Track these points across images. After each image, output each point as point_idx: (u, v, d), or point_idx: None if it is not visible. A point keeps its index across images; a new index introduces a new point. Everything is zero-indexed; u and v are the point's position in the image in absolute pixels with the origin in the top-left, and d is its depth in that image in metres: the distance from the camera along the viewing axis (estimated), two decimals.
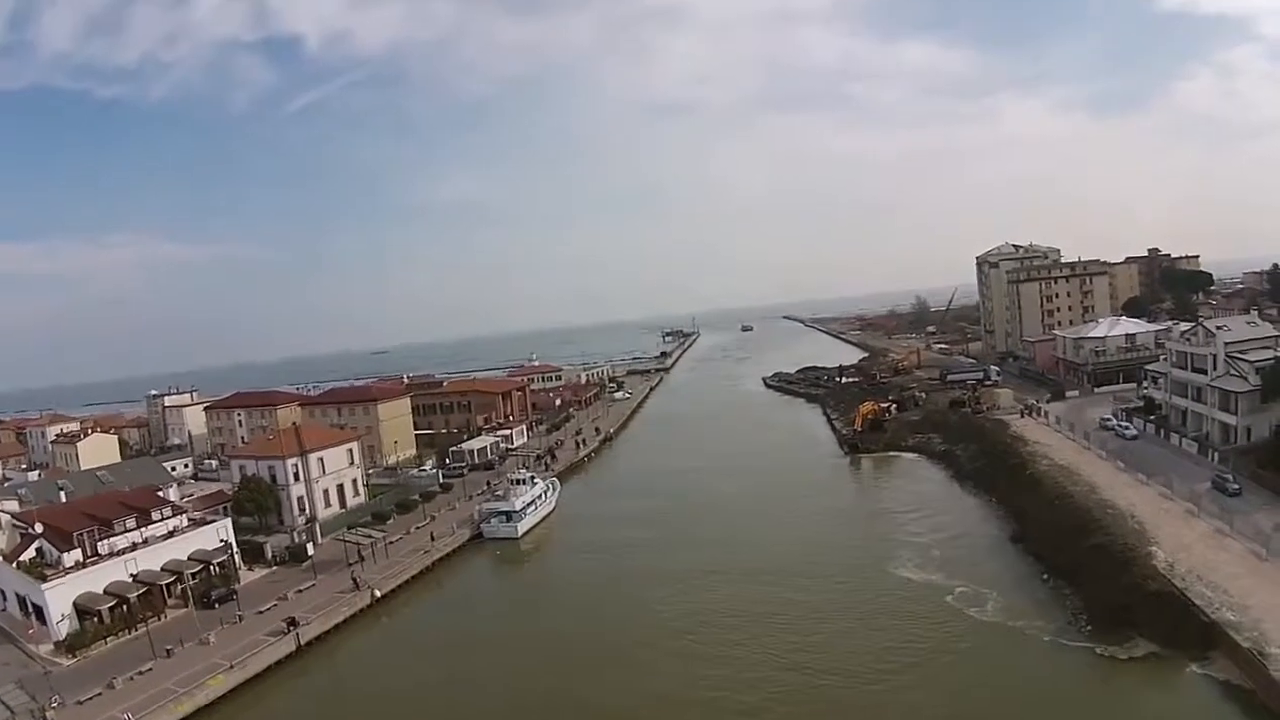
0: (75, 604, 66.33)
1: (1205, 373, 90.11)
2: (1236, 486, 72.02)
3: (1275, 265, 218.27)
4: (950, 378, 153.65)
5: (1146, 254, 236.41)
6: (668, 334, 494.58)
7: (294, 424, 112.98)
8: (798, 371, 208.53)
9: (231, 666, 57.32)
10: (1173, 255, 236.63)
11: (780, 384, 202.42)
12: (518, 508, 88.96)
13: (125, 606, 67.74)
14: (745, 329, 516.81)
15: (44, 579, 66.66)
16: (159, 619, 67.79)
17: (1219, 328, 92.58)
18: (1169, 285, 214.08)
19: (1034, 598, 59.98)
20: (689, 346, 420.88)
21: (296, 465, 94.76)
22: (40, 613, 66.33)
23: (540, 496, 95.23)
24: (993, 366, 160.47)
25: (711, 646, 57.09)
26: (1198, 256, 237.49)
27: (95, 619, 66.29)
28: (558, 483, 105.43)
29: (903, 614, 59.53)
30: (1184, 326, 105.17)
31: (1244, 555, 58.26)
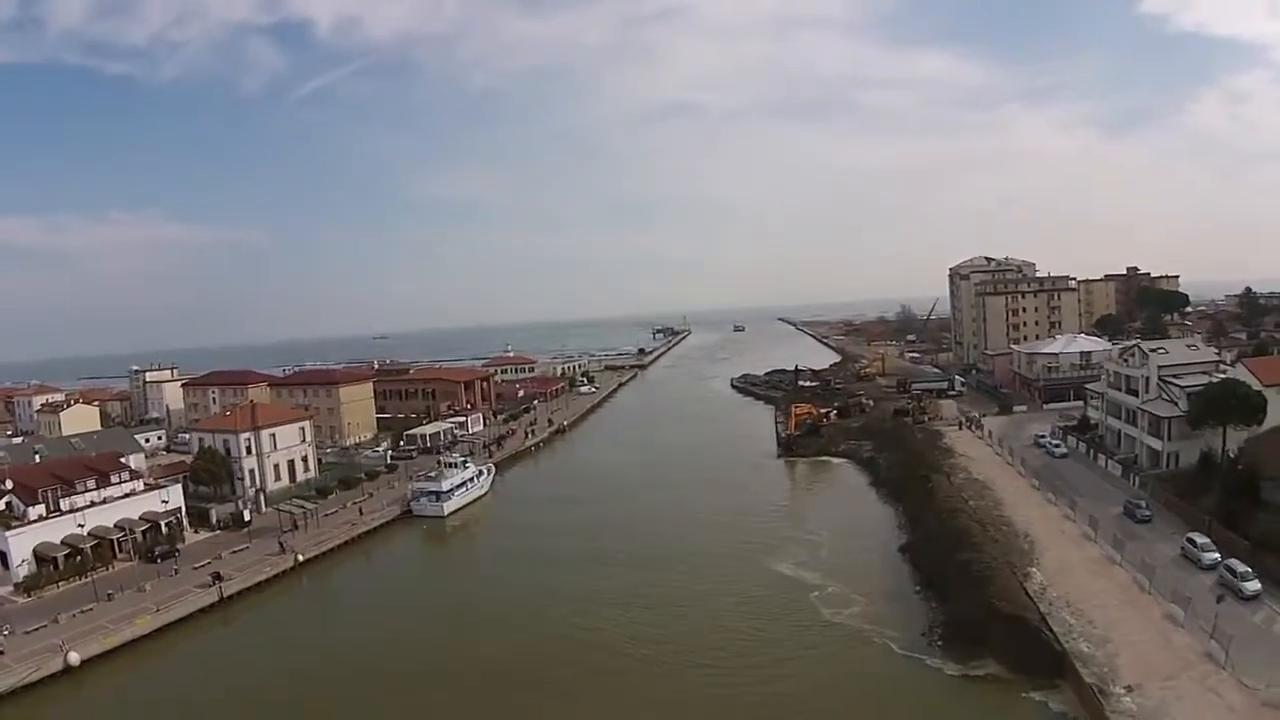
0: (35, 551, 75.53)
1: (1138, 395, 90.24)
2: (1147, 513, 71.63)
3: (1248, 289, 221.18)
4: (914, 387, 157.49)
5: (1125, 272, 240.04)
6: (658, 331, 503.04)
7: (250, 401, 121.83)
8: (766, 374, 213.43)
9: (157, 610, 66.35)
10: (1152, 274, 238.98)
11: (745, 385, 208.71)
12: (445, 488, 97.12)
13: (79, 556, 76.93)
14: (737, 329, 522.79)
15: (8, 528, 75.74)
16: (107, 569, 77.27)
17: (1154, 350, 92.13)
18: (1144, 304, 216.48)
19: (900, 607, 60.99)
20: (675, 344, 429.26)
21: (249, 439, 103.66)
22: (4, 558, 75.44)
23: (471, 480, 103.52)
24: (958, 377, 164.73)
25: (579, 621, 62.50)
26: (1177, 277, 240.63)
27: (51, 565, 75.44)
28: (493, 468, 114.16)
29: (759, 608, 62.85)
30: (1123, 346, 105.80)
31: (1126, 585, 57.94)
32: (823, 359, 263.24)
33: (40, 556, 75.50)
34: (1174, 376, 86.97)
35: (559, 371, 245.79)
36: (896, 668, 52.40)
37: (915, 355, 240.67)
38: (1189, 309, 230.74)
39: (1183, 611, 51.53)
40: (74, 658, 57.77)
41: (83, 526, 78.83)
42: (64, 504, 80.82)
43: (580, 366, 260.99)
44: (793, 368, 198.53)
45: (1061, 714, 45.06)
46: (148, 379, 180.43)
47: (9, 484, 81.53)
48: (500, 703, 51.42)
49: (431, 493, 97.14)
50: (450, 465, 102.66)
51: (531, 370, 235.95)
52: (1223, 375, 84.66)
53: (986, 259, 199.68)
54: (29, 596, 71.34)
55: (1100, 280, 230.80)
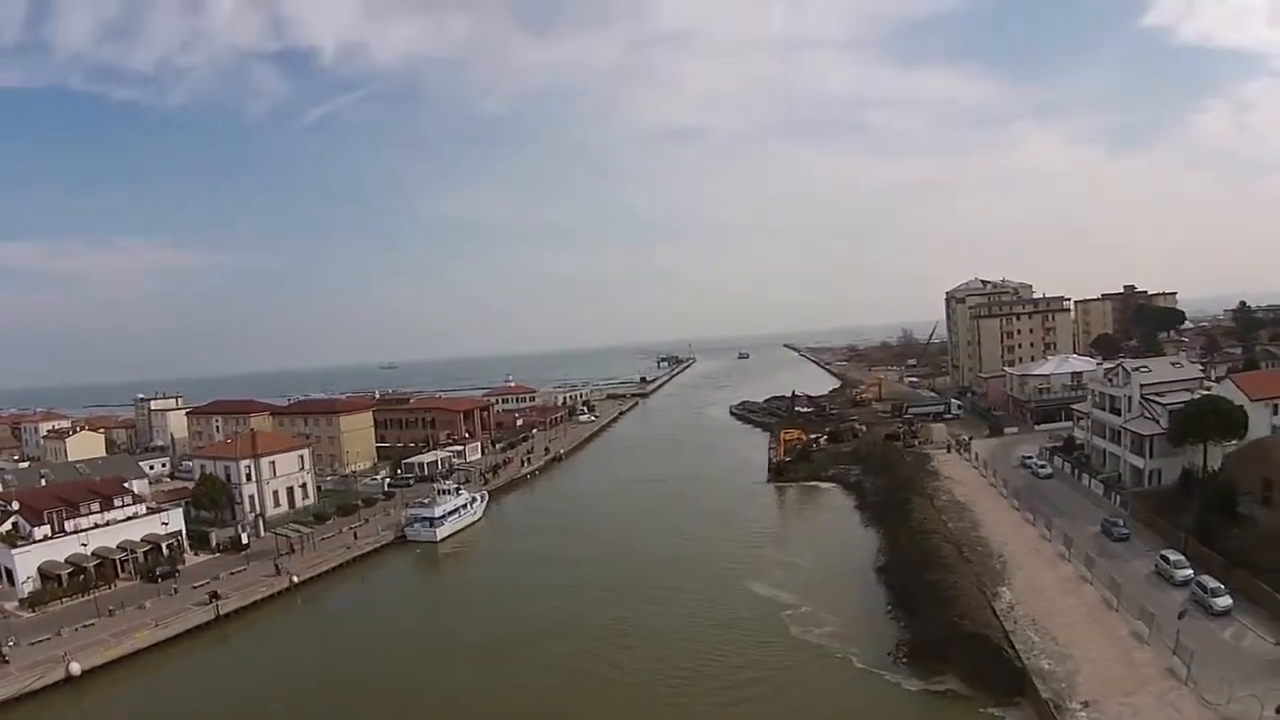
0: (40, 569, 78.99)
1: (1121, 414, 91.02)
2: (1125, 531, 72.69)
3: (1242, 303, 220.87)
4: (910, 411, 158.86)
5: (1122, 290, 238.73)
6: (663, 360, 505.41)
7: (251, 430, 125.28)
8: (765, 401, 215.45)
9: (156, 625, 69.40)
10: (1149, 292, 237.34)
11: (743, 413, 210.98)
12: (437, 515, 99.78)
13: (82, 575, 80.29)
14: (741, 356, 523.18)
15: (14, 546, 79.03)
16: (110, 587, 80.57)
17: (1136, 369, 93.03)
18: (1140, 322, 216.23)
19: (869, 625, 62.61)
20: (679, 372, 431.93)
21: (249, 466, 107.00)
22: (10, 575, 78.70)
23: (464, 506, 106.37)
24: (954, 400, 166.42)
25: (559, 644, 64.29)
26: (1175, 294, 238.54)
27: (55, 582, 78.79)
28: (486, 495, 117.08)
29: (733, 628, 64.61)
30: (1107, 366, 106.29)
31: (1095, 603, 58.84)
32: (824, 385, 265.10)
33: (45, 574, 78.85)
34: (1156, 394, 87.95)
35: (560, 400, 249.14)
36: (857, 683, 54.08)
37: (914, 379, 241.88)
38: (1185, 326, 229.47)
39: (1147, 628, 52.27)
40: (75, 668, 60.85)
41: (86, 546, 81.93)
42: (68, 525, 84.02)
43: (582, 395, 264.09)
44: (790, 394, 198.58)
45: None
46: (153, 407, 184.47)
47: (15, 505, 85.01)
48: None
49: (425, 519, 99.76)
50: (444, 492, 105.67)
51: (532, 399, 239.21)
52: (1205, 392, 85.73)
53: (982, 281, 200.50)
54: (34, 611, 74.48)
55: (1097, 300, 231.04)
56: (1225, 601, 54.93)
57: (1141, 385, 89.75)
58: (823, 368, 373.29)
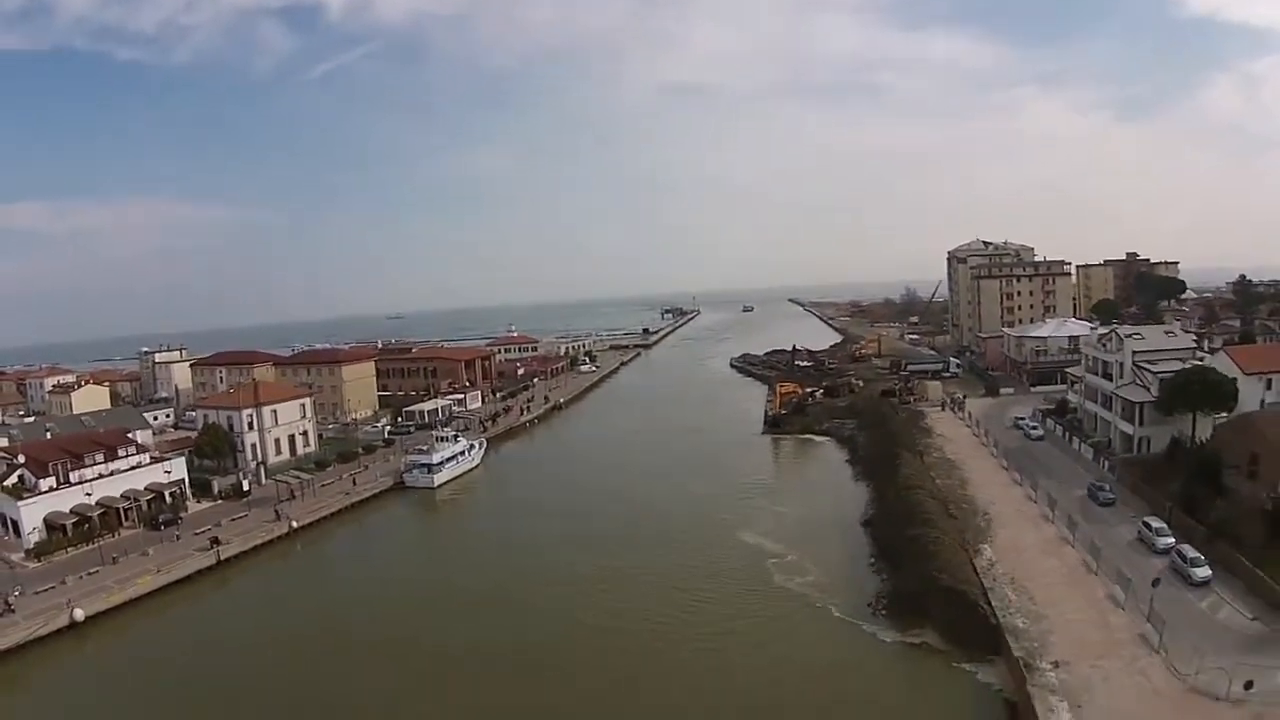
0: (45, 520, 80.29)
1: (1113, 379, 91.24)
2: (1110, 496, 72.93)
3: (1242, 276, 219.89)
4: (909, 368, 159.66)
5: (1125, 257, 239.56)
6: (667, 312, 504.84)
7: (253, 380, 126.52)
8: (765, 354, 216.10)
9: (158, 571, 71.03)
10: (1151, 260, 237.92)
11: (744, 365, 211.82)
12: (435, 461, 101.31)
13: (86, 524, 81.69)
14: (746, 310, 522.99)
15: (20, 498, 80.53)
16: (114, 535, 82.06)
17: (1129, 335, 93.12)
18: (1141, 290, 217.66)
19: (852, 576, 63.67)
20: (682, 324, 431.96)
21: (251, 415, 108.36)
22: (16, 526, 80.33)
23: (462, 453, 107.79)
24: (953, 359, 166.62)
25: (550, 591, 65.40)
26: (1177, 263, 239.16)
27: (60, 532, 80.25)
28: (484, 443, 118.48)
29: (718, 573, 66.37)
30: (1102, 331, 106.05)
31: (1075, 565, 59.24)
32: (825, 340, 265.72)
33: (50, 524, 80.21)
34: (1149, 362, 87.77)
35: (563, 351, 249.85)
36: (835, 632, 55.09)
37: (914, 337, 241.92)
38: (1186, 296, 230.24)
39: (1124, 593, 52.29)
40: (79, 614, 62.40)
41: (90, 496, 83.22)
42: (73, 476, 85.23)
43: (584, 346, 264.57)
44: (790, 348, 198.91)
45: (988, 685, 46.53)
46: (157, 360, 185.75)
47: (21, 458, 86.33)
48: (453, 653, 55.85)
49: (423, 465, 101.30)
50: (442, 439, 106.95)
51: (534, 350, 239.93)
52: (1198, 362, 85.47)
53: (984, 243, 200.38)
54: (39, 561, 75.96)
55: (1099, 265, 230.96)
56: (1204, 572, 54.90)
57: (1134, 352, 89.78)
58: (826, 323, 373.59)
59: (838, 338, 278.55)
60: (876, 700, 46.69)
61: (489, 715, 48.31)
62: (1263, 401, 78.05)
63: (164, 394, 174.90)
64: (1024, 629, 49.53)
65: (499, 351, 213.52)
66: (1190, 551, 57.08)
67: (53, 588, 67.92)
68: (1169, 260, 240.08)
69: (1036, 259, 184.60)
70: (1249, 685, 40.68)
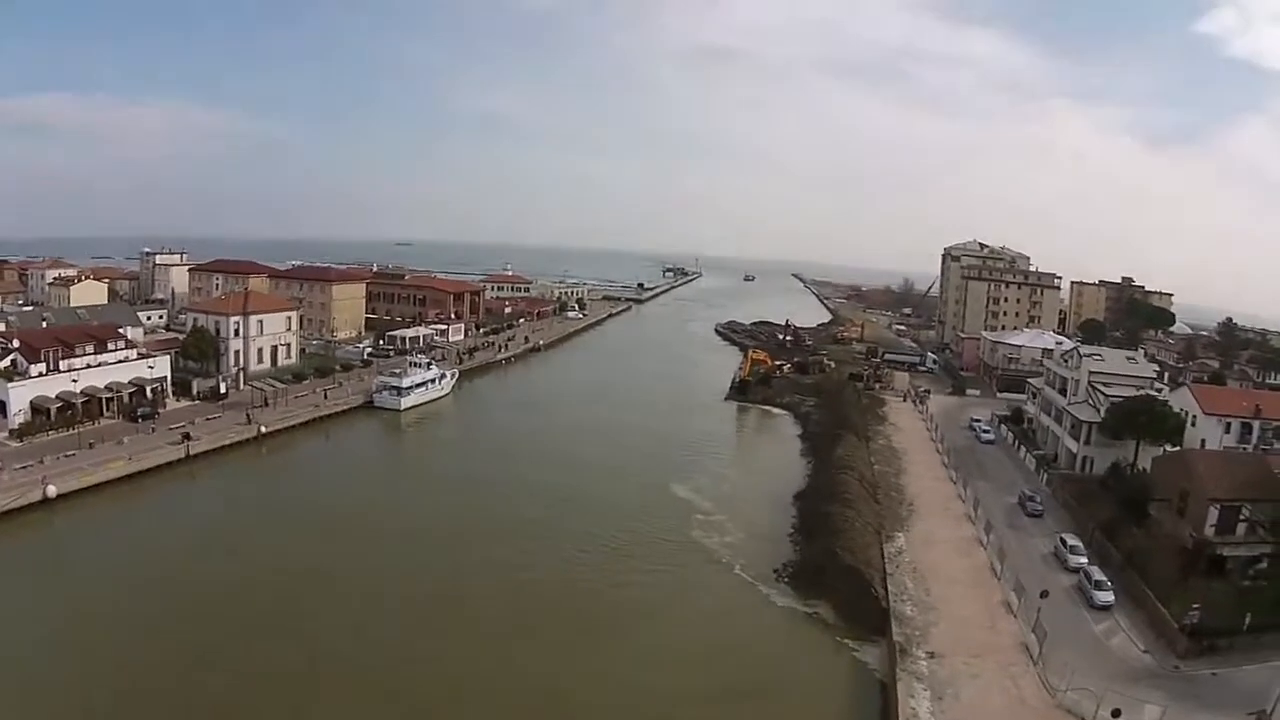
0: (31, 403, 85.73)
1: (1067, 395, 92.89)
2: (1039, 508, 74.93)
3: (1228, 319, 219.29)
4: (886, 356, 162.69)
5: (1120, 281, 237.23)
6: (669, 270, 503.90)
7: (246, 289, 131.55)
8: (751, 324, 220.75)
9: (130, 458, 76.92)
10: (1146, 288, 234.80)
11: (727, 331, 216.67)
12: (405, 385, 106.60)
13: (70, 410, 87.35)
14: (747, 279, 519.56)
15: (10, 380, 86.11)
16: (94, 423, 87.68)
17: (1089, 355, 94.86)
18: (1130, 315, 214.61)
19: (769, 543, 65.89)
20: (680, 285, 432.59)
21: (238, 323, 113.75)
22: (3, 407, 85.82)
23: (433, 381, 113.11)
24: (930, 355, 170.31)
25: (487, 525, 68.53)
26: (1171, 295, 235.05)
27: (44, 416, 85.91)
28: (457, 373, 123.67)
29: (640, 519, 69.67)
30: (1067, 346, 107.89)
31: (981, 567, 60.80)
32: (817, 318, 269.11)
33: (36, 407, 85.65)
34: (1104, 384, 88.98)
35: (555, 295, 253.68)
36: (731, 587, 58.14)
37: (901, 328, 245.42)
38: (1175, 329, 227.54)
39: (1018, 601, 53.69)
40: (51, 490, 67.57)
41: (76, 384, 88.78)
42: (63, 364, 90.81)
43: (575, 293, 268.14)
44: (783, 321, 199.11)
45: (865, 664, 48.32)
46: (157, 262, 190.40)
47: (15, 343, 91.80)
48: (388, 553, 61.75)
49: (392, 387, 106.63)
50: (414, 365, 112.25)
51: (526, 290, 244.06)
52: (1155, 392, 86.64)
53: (980, 244, 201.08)
54: (21, 441, 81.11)
55: (1093, 285, 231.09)
56: (1107, 597, 55.55)
57: (1090, 372, 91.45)
58: (821, 301, 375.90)
59: (828, 317, 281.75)
60: (750, 650, 49.31)
61: (376, 651, 47.70)
62: (1224, 446, 75.52)
63: (161, 295, 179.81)
64: (910, 616, 51.26)
65: (491, 288, 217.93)
66: (1098, 574, 58.09)
67: (30, 466, 72.86)
68: (1164, 291, 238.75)
69: (1030, 269, 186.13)
70: (1116, 714, 40.04)
